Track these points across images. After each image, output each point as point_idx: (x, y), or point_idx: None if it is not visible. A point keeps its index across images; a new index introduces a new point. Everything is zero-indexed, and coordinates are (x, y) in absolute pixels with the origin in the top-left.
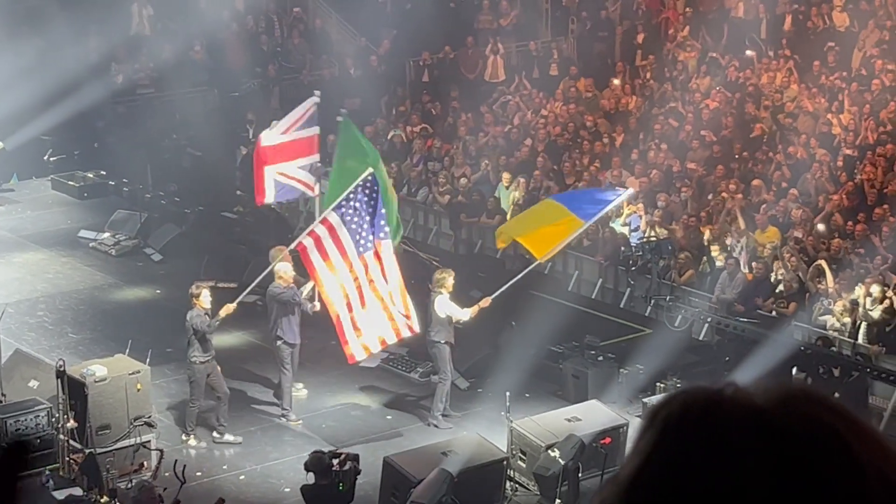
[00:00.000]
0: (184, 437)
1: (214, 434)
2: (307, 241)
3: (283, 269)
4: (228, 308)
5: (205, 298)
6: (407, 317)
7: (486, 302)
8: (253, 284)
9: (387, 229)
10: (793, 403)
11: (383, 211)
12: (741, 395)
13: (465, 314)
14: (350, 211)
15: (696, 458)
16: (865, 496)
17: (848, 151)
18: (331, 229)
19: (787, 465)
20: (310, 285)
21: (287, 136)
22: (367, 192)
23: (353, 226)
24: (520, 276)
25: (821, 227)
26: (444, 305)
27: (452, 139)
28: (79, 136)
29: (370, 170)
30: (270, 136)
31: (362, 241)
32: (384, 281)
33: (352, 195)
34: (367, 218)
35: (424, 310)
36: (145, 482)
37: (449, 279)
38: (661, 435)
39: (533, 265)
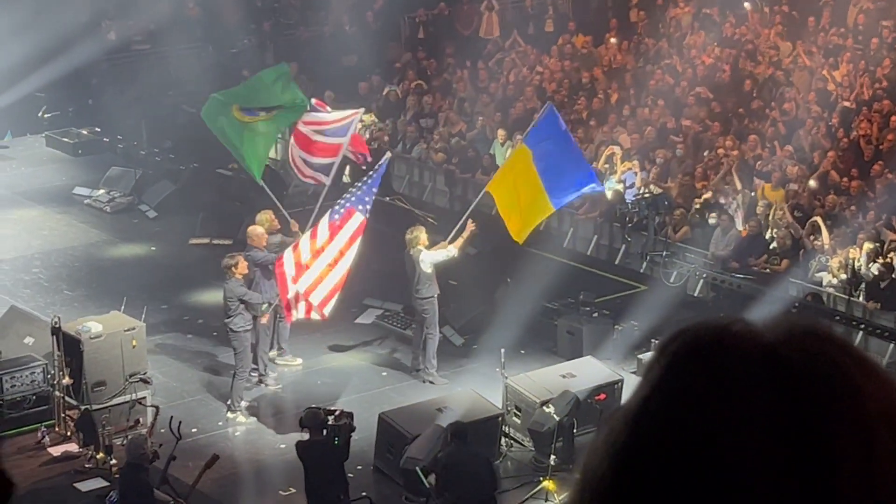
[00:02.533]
0: (229, 415)
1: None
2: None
3: (253, 231)
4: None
5: (243, 267)
6: (326, 299)
7: (470, 227)
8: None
9: (366, 199)
10: (800, 339)
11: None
12: (749, 331)
13: (451, 251)
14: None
15: (700, 390)
16: (869, 432)
17: (846, 104)
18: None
19: (791, 399)
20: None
21: (320, 137)
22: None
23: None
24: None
25: (812, 183)
26: (429, 258)
27: (447, 96)
28: (73, 93)
29: (388, 155)
30: (307, 126)
31: (337, 208)
32: (334, 252)
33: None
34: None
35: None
36: (136, 437)
37: (421, 234)
38: (668, 368)
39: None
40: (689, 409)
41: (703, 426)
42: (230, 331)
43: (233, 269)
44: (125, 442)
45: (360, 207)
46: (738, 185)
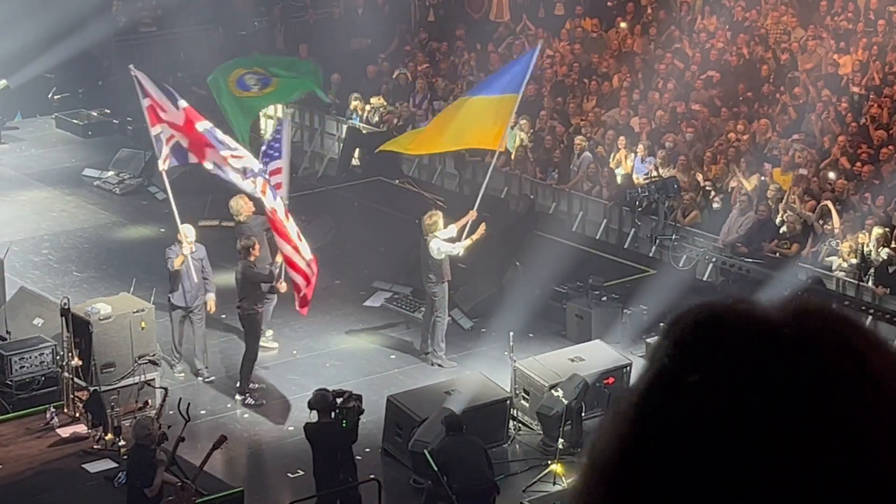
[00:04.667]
0: (238, 397)
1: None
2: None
3: (237, 204)
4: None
5: (258, 249)
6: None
7: (471, 215)
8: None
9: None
10: (807, 318)
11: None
12: (755, 311)
13: (459, 248)
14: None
15: (706, 370)
16: (879, 407)
17: (854, 89)
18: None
19: (800, 378)
20: (279, 261)
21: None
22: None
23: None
24: (487, 178)
25: (832, 175)
26: (441, 247)
27: (457, 79)
28: (83, 75)
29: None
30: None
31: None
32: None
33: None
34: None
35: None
36: (142, 419)
37: (439, 221)
38: (674, 349)
39: (495, 159)
40: (693, 391)
41: (710, 407)
42: (241, 312)
43: (250, 250)
44: (132, 423)
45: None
46: (744, 182)
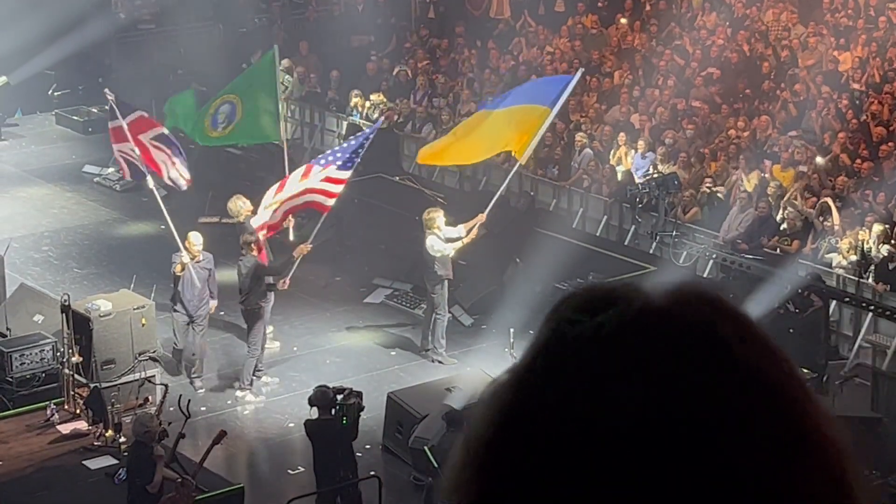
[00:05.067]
0: (239, 393)
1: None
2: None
3: (234, 206)
4: (303, 249)
5: (195, 243)
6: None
7: (480, 218)
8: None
9: (349, 156)
10: (681, 302)
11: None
12: (633, 294)
13: (450, 248)
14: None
15: (580, 347)
16: (738, 392)
17: (855, 86)
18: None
19: (660, 358)
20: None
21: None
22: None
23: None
24: (504, 184)
25: (819, 160)
26: (436, 244)
27: (457, 76)
28: (83, 71)
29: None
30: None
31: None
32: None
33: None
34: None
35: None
36: (142, 416)
37: (438, 218)
38: (553, 328)
39: (515, 167)
40: (567, 366)
41: (581, 382)
42: (245, 308)
43: (252, 245)
44: (132, 420)
45: (340, 164)
46: (745, 183)
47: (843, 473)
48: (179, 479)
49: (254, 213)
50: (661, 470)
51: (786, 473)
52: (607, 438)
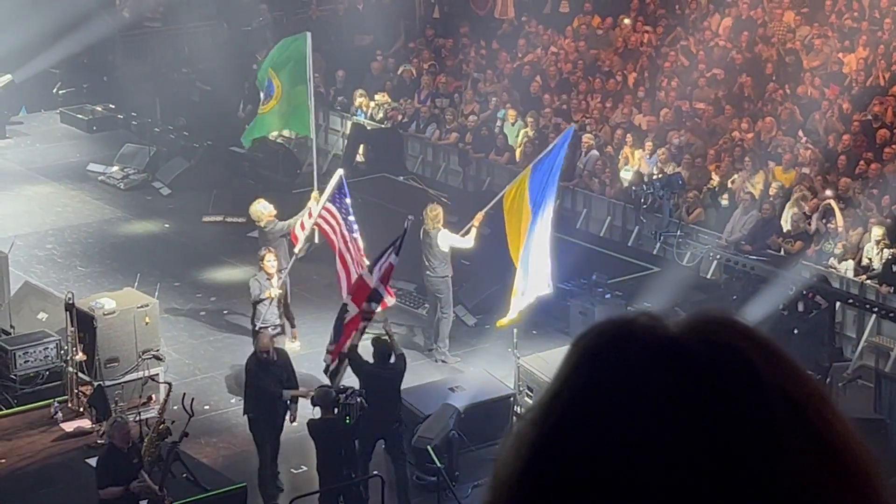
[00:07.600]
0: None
1: None
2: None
3: (256, 210)
4: (480, 216)
5: (269, 263)
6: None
7: (479, 218)
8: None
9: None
10: (702, 329)
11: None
12: (654, 324)
13: (468, 242)
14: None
15: (604, 385)
16: (768, 414)
17: (860, 88)
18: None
19: (692, 387)
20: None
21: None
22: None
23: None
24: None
25: (829, 192)
26: (448, 239)
27: (461, 76)
28: (88, 70)
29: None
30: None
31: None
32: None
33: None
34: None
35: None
36: (118, 418)
37: (441, 213)
38: (576, 363)
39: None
40: (592, 406)
41: (607, 419)
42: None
43: (260, 262)
44: (137, 418)
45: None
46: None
47: (876, 489)
48: (156, 489)
49: (277, 217)
50: (697, 498)
51: (821, 492)
52: (641, 474)
